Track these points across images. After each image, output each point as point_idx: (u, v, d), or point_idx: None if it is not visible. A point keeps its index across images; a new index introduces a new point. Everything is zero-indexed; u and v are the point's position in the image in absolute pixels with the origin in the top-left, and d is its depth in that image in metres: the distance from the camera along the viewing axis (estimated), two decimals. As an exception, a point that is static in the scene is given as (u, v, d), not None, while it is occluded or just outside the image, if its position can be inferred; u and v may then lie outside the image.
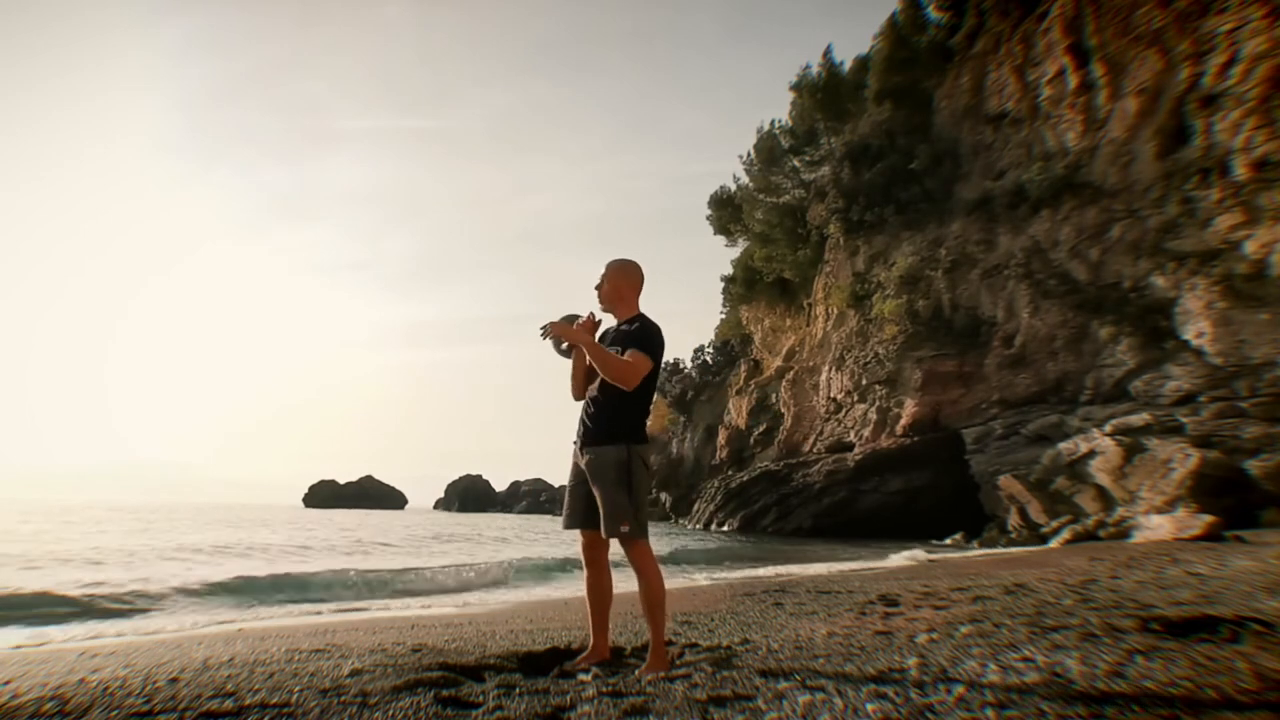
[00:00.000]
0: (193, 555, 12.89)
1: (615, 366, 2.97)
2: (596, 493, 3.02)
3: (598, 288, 3.19)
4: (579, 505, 3.13)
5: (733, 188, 37.45)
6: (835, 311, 29.54)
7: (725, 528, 25.11)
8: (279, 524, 28.08)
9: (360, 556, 13.75)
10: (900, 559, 12.50)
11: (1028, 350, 21.58)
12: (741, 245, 38.44)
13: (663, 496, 37.16)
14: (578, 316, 3.15)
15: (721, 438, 36.45)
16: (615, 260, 3.19)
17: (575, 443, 3.18)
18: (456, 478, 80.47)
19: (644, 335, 3.04)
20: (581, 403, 3.23)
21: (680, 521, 31.30)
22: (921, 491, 21.60)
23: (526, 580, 10.19)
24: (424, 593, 8.80)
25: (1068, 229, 21.81)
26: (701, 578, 9.78)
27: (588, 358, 3.08)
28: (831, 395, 28.03)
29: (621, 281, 3.16)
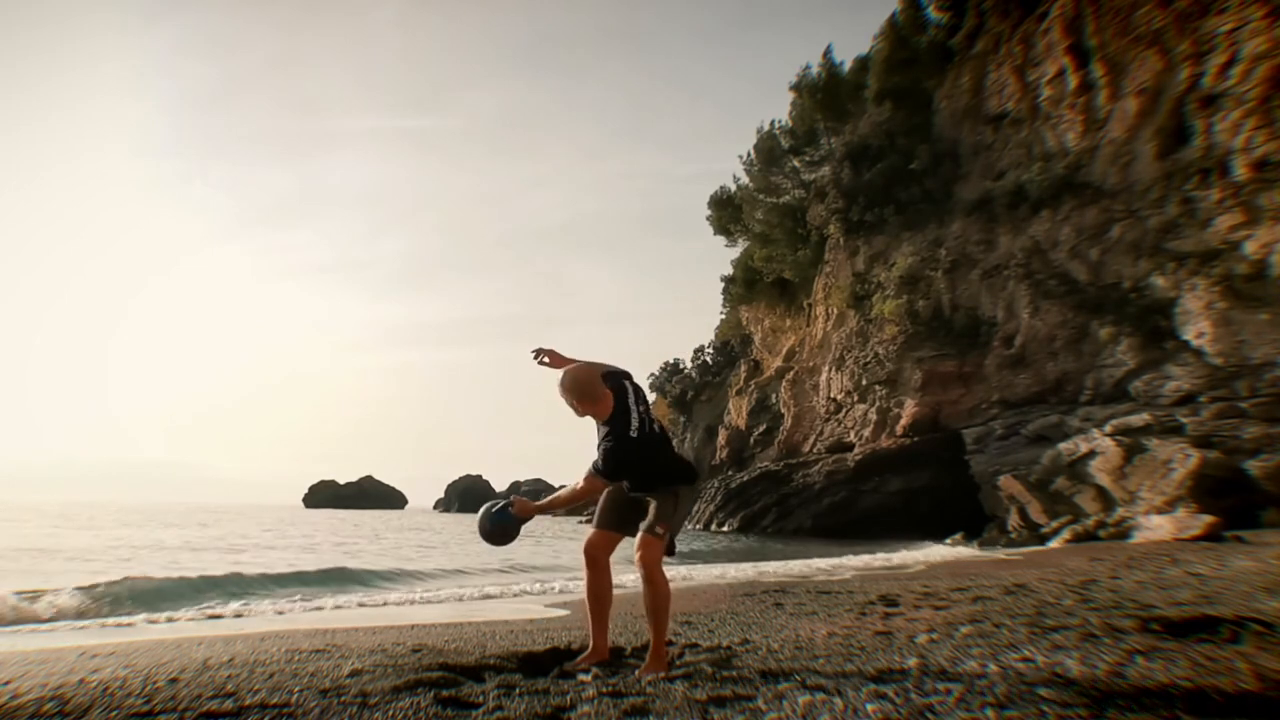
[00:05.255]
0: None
1: (564, 500, 3.28)
2: (648, 503, 3.09)
3: (573, 408, 3.15)
4: (615, 512, 3.20)
5: (733, 188, 37.49)
6: (835, 312, 29.55)
7: (725, 528, 25.10)
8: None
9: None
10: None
11: (1028, 350, 21.59)
12: (741, 245, 38.47)
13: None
14: (510, 503, 3.21)
15: (721, 438, 36.46)
16: (563, 382, 3.11)
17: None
18: (456, 478, 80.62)
19: (609, 460, 3.02)
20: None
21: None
22: (921, 492, 21.60)
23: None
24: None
25: (1068, 229, 21.81)
26: (702, 577, 9.78)
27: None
28: (831, 395, 28.04)
29: (585, 399, 3.09)
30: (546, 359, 3.39)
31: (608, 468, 3.03)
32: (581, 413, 3.12)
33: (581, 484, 3.07)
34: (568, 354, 3.41)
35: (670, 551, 3.10)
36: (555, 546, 17.75)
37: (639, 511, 3.11)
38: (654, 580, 2.99)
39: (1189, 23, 19.24)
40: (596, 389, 3.08)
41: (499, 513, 3.16)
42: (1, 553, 13.83)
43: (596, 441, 3.13)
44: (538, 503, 3.24)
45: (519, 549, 17.20)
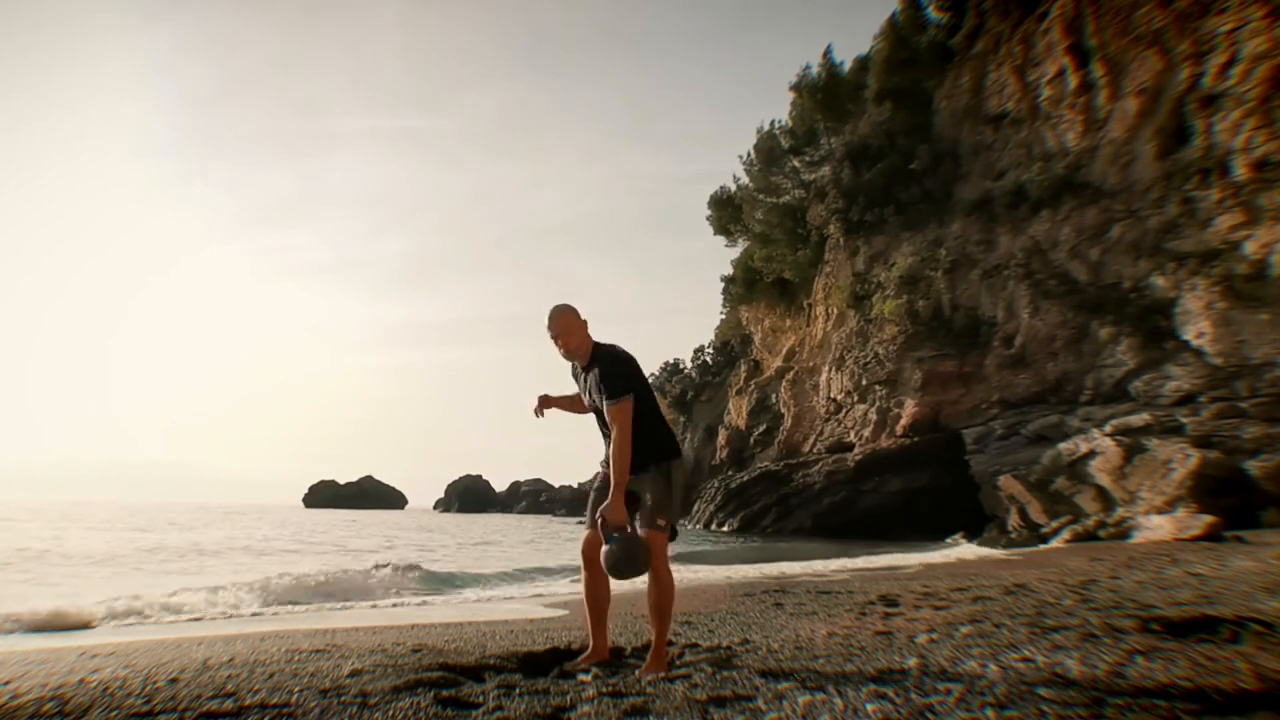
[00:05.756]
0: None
1: (622, 453, 2.99)
2: (643, 493, 3.09)
3: (556, 341, 3.19)
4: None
5: (733, 188, 37.49)
6: (835, 312, 29.54)
7: (725, 528, 25.10)
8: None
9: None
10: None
11: (1028, 350, 21.58)
12: (741, 245, 38.46)
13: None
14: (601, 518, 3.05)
15: (721, 438, 36.46)
16: (556, 311, 3.19)
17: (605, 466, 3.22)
18: (456, 478, 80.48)
19: (611, 377, 3.06)
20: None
21: (680, 521, 31.37)
22: (921, 492, 21.59)
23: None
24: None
25: (1068, 229, 21.81)
26: (702, 577, 9.77)
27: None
28: (831, 395, 28.03)
29: (578, 329, 3.19)
30: (545, 408, 3.49)
31: (616, 381, 3.04)
32: (571, 343, 3.18)
33: (614, 432, 2.98)
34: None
35: (672, 537, 3.11)
36: (554, 547, 17.77)
37: (633, 507, 3.11)
38: (660, 576, 3.00)
39: (1189, 23, 19.23)
40: (583, 322, 3.21)
41: (610, 541, 2.95)
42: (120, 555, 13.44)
43: (591, 387, 3.16)
44: (613, 492, 2.96)
45: (519, 550, 17.23)
